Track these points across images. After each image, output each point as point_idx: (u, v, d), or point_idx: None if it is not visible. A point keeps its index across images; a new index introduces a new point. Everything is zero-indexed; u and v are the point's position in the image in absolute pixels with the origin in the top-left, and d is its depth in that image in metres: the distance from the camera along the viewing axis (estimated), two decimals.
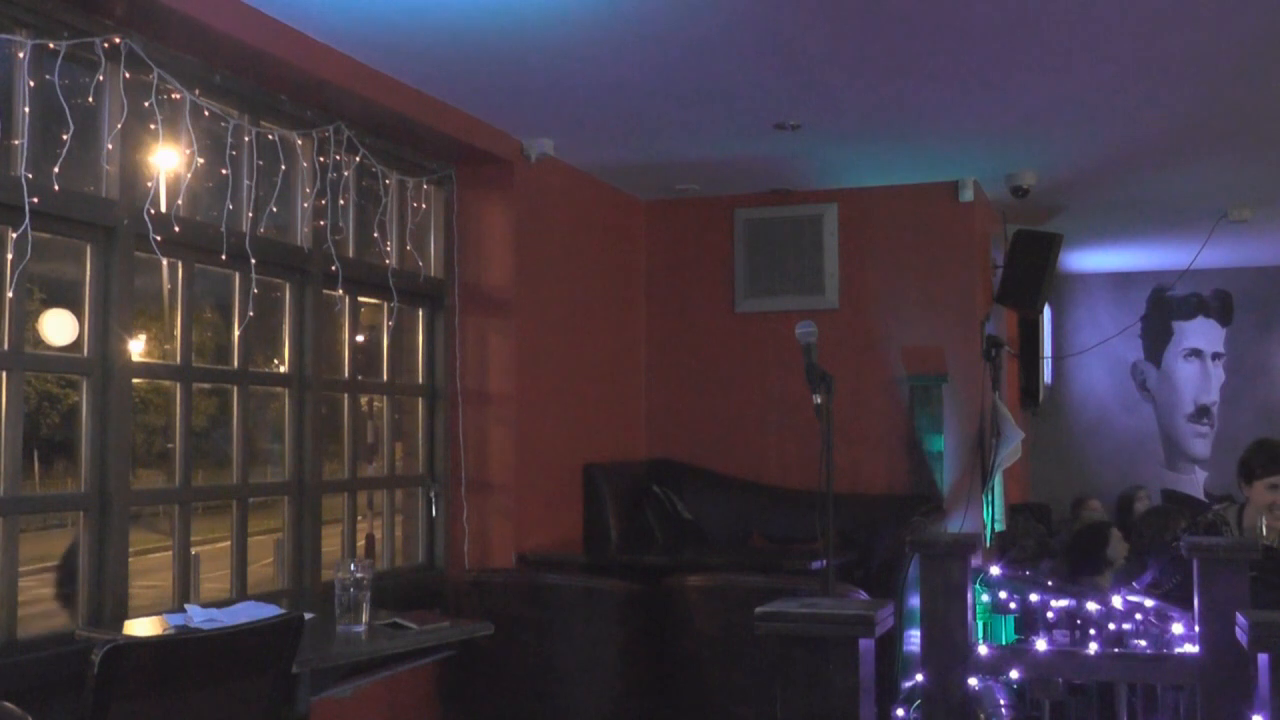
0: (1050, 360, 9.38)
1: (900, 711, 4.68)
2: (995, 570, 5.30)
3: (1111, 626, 4.52)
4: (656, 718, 4.96)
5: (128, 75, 3.72)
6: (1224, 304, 9.63)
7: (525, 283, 5.56)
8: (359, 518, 5.02)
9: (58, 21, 3.51)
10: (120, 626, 3.53)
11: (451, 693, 5.06)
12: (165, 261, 3.98)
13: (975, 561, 4.66)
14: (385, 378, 5.20)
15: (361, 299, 5.04)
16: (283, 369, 4.60)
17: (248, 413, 4.39)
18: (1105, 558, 5.59)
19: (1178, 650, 3.87)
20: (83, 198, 3.66)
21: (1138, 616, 4.48)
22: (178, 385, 4.07)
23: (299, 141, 4.55)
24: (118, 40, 3.66)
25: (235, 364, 4.32)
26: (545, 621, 4.82)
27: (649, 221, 6.89)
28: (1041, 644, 3.98)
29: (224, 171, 4.18)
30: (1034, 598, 5.02)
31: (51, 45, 3.47)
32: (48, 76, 3.47)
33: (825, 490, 3.66)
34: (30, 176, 3.39)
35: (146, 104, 3.79)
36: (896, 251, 6.50)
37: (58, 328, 3.70)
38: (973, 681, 3.69)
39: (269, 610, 3.57)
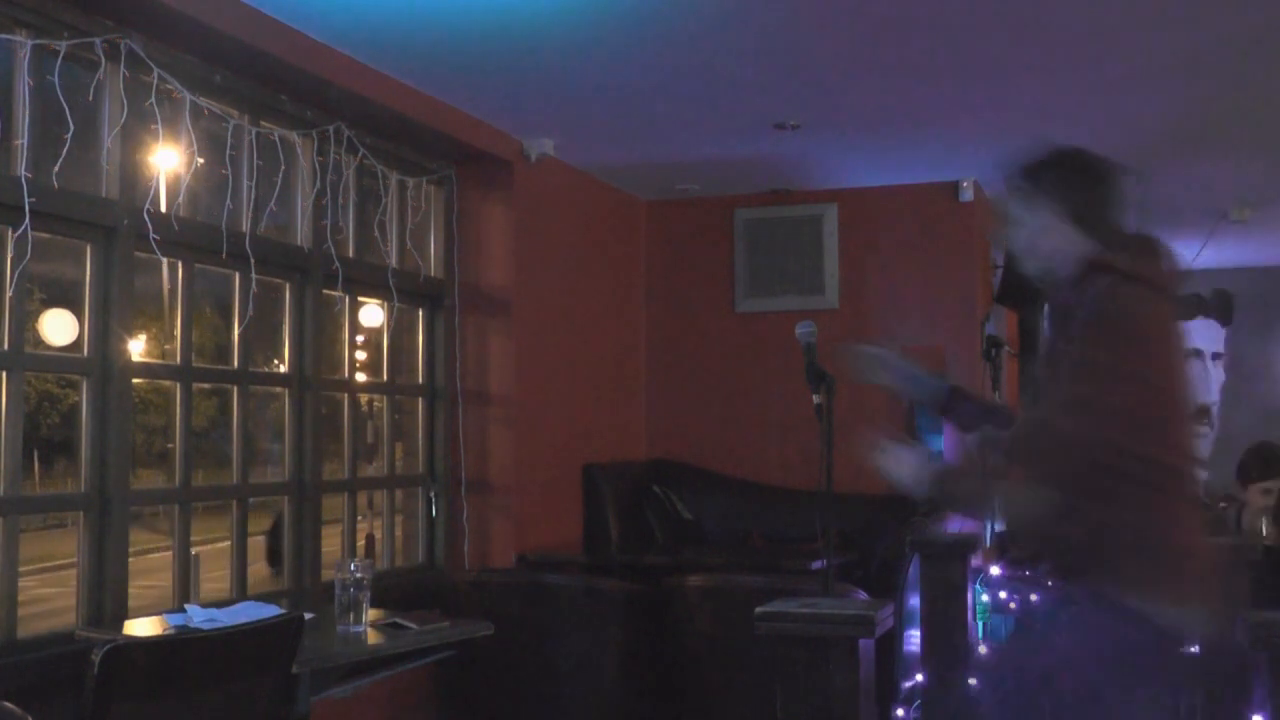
0: None
1: (900, 711, 4.68)
2: (995, 570, 5.30)
3: None
4: (656, 718, 4.96)
5: (128, 75, 3.72)
6: (1224, 304, 9.62)
7: (525, 283, 5.56)
8: (359, 518, 5.02)
9: (58, 21, 3.50)
10: (120, 626, 3.52)
11: (451, 693, 5.06)
12: (165, 261, 3.97)
13: (975, 562, 4.66)
14: (385, 378, 5.20)
15: (361, 299, 5.04)
16: (283, 369, 4.60)
17: (248, 413, 4.39)
18: None
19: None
20: (83, 198, 3.66)
21: None
22: (178, 385, 4.06)
23: (299, 141, 4.55)
24: (118, 40, 3.66)
25: (235, 364, 4.32)
26: (545, 621, 4.82)
27: (649, 221, 6.89)
28: None
29: (224, 171, 4.18)
30: (1034, 597, 5.01)
31: (51, 45, 3.47)
32: (48, 76, 3.46)
33: (825, 490, 3.66)
34: (30, 176, 3.39)
35: (146, 104, 3.79)
36: (896, 251, 6.50)
37: (58, 328, 3.70)
38: (973, 681, 3.69)
39: (269, 610, 3.57)
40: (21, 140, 3.41)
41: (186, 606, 3.74)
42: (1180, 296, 2.72)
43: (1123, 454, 2.45)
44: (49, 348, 3.70)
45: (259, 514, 4.64)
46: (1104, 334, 2.50)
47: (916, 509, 6.10)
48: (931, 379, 3.01)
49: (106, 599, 3.67)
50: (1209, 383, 9.71)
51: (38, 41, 3.45)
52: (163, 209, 3.90)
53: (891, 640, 5.09)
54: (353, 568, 3.85)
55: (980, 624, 5.14)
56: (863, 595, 4.60)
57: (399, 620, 3.89)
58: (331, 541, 4.83)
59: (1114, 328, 2.51)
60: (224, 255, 4.09)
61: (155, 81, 3.79)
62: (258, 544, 5.38)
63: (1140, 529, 2.48)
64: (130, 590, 3.76)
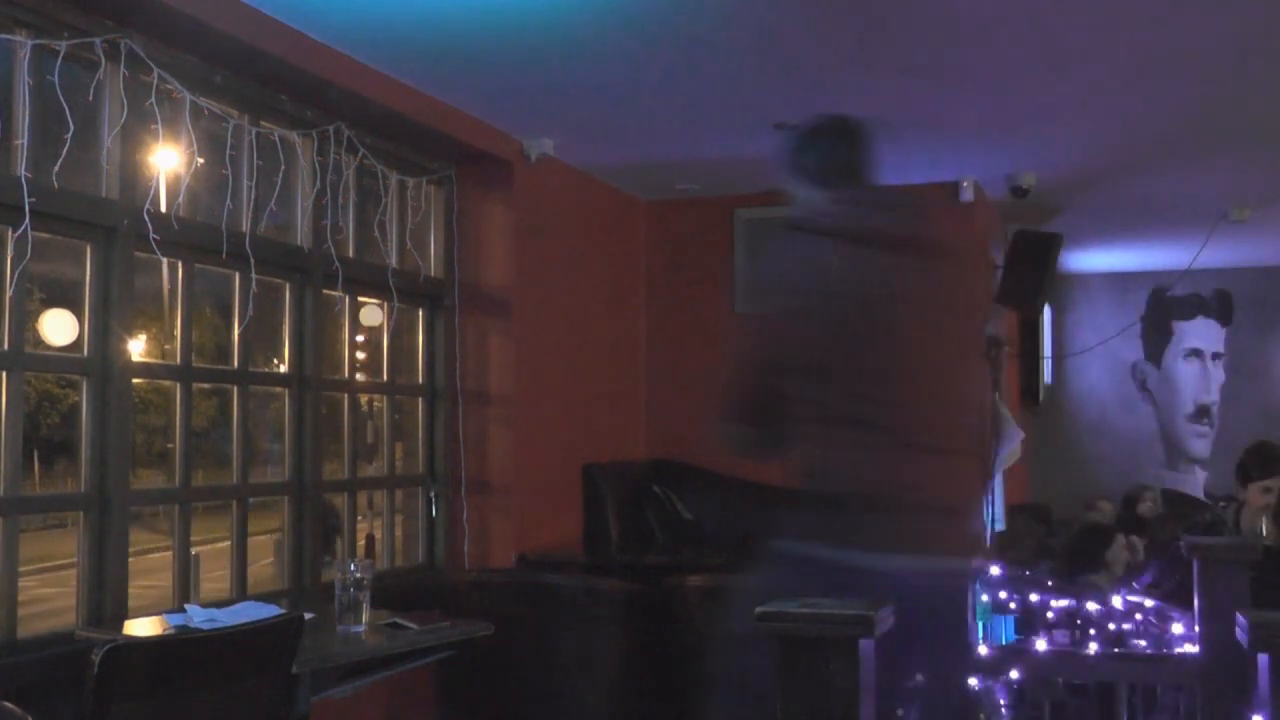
0: (1050, 360, 9.38)
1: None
2: (995, 570, 5.29)
3: (1111, 626, 4.52)
4: (656, 717, 4.96)
5: (128, 75, 3.72)
6: (1224, 304, 9.63)
7: (525, 283, 5.56)
8: (359, 518, 5.02)
9: (58, 21, 3.50)
10: (120, 626, 3.53)
11: (451, 693, 5.06)
12: (165, 261, 3.98)
13: (975, 562, 4.65)
14: (385, 378, 5.20)
15: (361, 299, 5.04)
16: (283, 369, 4.60)
17: (248, 413, 4.39)
18: (1104, 560, 5.60)
19: (1178, 650, 3.87)
20: (83, 198, 3.66)
21: (1138, 616, 4.47)
22: (178, 385, 4.07)
23: (299, 141, 4.55)
24: (118, 40, 3.66)
25: (235, 364, 4.32)
26: (545, 621, 4.82)
27: (649, 221, 6.89)
28: (1041, 644, 3.97)
29: (224, 171, 4.18)
30: (1034, 598, 5.01)
31: (51, 45, 3.47)
32: (48, 76, 3.46)
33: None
34: (30, 176, 3.39)
35: (146, 104, 3.79)
36: None
37: (58, 328, 3.70)
38: (972, 681, 3.68)
39: (269, 610, 3.57)
40: (21, 140, 3.41)
41: (186, 606, 3.74)
42: (915, 246, 2.71)
43: (793, 400, 2.61)
44: (49, 348, 3.70)
45: (260, 514, 4.64)
46: (781, 287, 2.70)
47: None
48: None
49: (106, 599, 3.67)
50: (1209, 383, 9.72)
51: (38, 41, 3.45)
52: (163, 209, 3.90)
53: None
54: (353, 568, 3.85)
55: (980, 624, 5.15)
56: None
57: (399, 620, 3.89)
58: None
59: (785, 281, 2.70)
60: (224, 255, 4.09)
61: (155, 81, 3.79)
62: (261, 543, 5.37)
63: (820, 475, 2.61)
64: (130, 590, 3.76)
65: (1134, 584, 5.11)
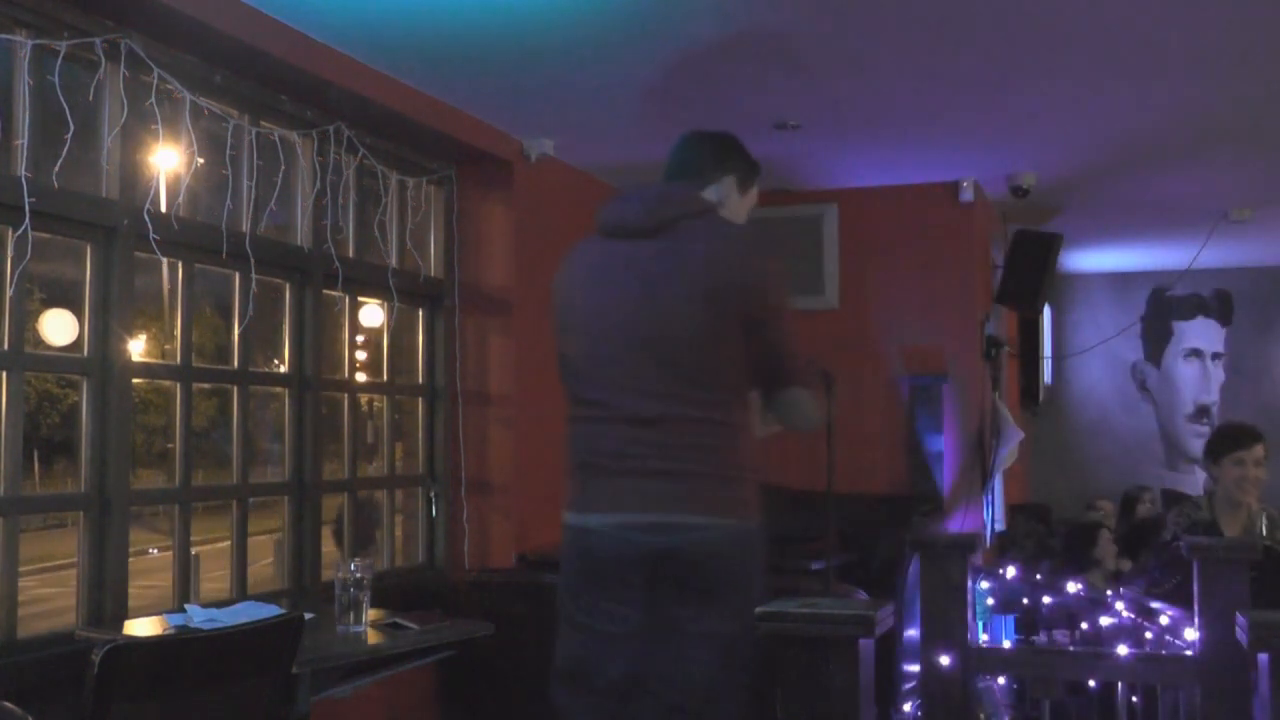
0: (1050, 360, 9.38)
1: (901, 709, 4.68)
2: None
3: (1108, 624, 4.52)
4: None
5: (128, 75, 3.72)
6: (1224, 304, 9.63)
7: (525, 283, 5.56)
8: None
9: (58, 21, 3.50)
10: (120, 626, 3.53)
11: (451, 693, 5.06)
12: (165, 261, 3.98)
13: (977, 561, 4.67)
14: (385, 378, 5.20)
15: (361, 299, 5.04)
16: (283, 369, 4.60)
17: (248, 413, 4.39)
18: (1092, 557, 5.61)
19: (1178, 650, 3.87)
20: (83, 198, 3.66)
21: (1137, 616, 4.47)
22: (178, 385, 4.07)
23: (299, 141, 4.55)
24: (118, 40, 3.66)
25: (235, 364, 4.32)
26: (545, 621, 4.80)
27: None
28: (1041, 644, 3.98)
29: (224, 171, 4.18)
30: (1034, 597, 5.02)
31: (51, 45, 3.47)
32: (48, 76, 3.47)
33: (828, 489, 3.66)
34: (30, 176, 3.39)
35: (146, 104, 3.79)
36: (896, 251, 6.50)
37: (58, 328, 3.70)
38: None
39: (269, 610, 3.57)
40: (21, 140, 3.41)
41: (186, 606, 3.74)
42: (648, 232, 2.96)
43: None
44: (49, 348, 3.70)
45: (260, 514, 4.64)
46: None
47: (916, 509, 6.10)
48: None
49: (106, 599, 3.67)
50: (1209, 383, 9.72)
51: (38, 41, 3.45)
52: (163, 209, 3.90)
53: (891, 640, 5.10)
54: (353, 568, 3.85)
55: (980, 624, 5.15)
56: (863, 595, 4.60)
57: (399, 620, 3.89)
58: (331, 541, 4.83)
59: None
60: (224, 255, 4.09)
61: (155, 81, 3.79)
62: (261, 543, 5.37)
63: (569, 448, 3.00)
64: (130, 590, 3.77)
65: (1133, 583, 5.11)
